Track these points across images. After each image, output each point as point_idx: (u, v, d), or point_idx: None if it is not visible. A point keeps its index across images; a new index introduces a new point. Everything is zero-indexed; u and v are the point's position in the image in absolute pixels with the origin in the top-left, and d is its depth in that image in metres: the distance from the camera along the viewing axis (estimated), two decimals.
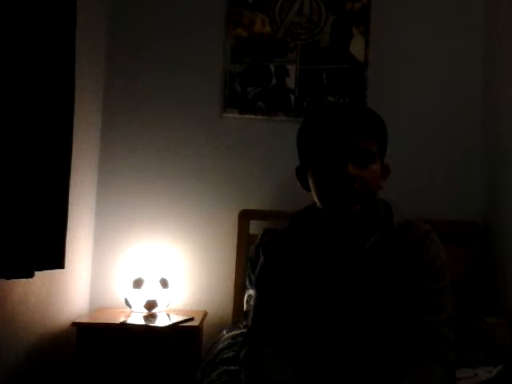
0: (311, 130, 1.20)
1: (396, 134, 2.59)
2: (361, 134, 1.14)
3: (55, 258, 1.80)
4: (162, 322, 2.23)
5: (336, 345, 1.17)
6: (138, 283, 2.35)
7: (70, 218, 1.88)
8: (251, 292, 2.32)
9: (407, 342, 1.11)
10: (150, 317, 2.29)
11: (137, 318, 2.27)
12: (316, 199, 1.19)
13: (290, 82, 2.62)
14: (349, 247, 1.20)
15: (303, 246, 1.25)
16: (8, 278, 1.59)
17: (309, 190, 1.21)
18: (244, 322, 2.23)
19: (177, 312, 2.42)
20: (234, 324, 2.33)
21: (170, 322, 2.21)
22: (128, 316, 2.30)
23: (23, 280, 1.70)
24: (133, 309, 2.36)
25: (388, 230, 1.20)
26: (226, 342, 1.98)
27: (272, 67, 2.62)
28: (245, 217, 2.49)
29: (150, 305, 2.33)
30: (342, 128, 1.14)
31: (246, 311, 2.32)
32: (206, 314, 2.45)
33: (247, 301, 2.33)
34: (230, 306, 2.44)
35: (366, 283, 1.17)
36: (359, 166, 1.13)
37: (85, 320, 2.28)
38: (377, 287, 1.16)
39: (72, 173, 1.89)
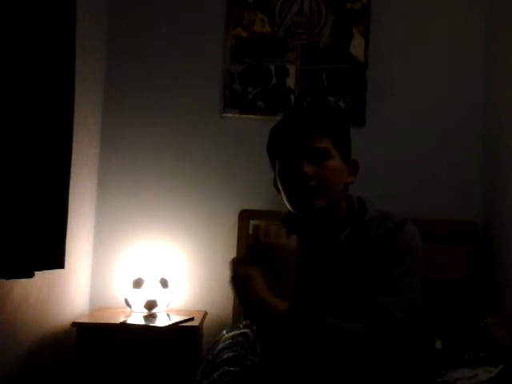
0: (271, 136, 1.30)
1: (396, 134, 2.63)
2: (313, 134, 1.21)
3: (55, 258, 1.80)
4: (162, 321, 2.23)
5: None
6: (138, 283, 2.35)
7: (69, 218, 1.88)
8: None
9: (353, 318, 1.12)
10: (150, 317, 2.29)
11: (137, 318, 2.27)
12: (285, 201, 1.27)
13: (290, 82, 2.62)
14: (324, 241, 1.25)
15: None
16: (8, 278, 1.59)
17: None
18: (244, 322, 2.23)
19: (177, 312, 2.42)
20: (234, 324, 2.33)
21: (170, 322, 2.22)
22: (128, 316, 2.30)
23: (23, 280, 1.70)
24: (133, 309, 2.36)
25: (361, 222, 1.24)
26: (226, 342, 1.98)
27: (272, 67, 2.62)
28: (245, 217, 2.49)
29: (150, 305, 2.34)
30: (294, 130, 1.22)
31: None
32: (205, 314, 2.46)
33: None
34: (230, 306, 2.44)
35: (338, 274, 1.21)
36: (315, 164, 1.20)
37: (85, 320, 2.29)
38: (349, 275, 1.20)
39: (72, 173, 1.89)
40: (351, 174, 1.28)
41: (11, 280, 1.65)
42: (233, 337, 2.03)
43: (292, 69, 2.62)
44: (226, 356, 1.81)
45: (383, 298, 1.12)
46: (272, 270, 1.15)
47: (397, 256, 1.18)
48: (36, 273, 1.65)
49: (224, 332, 2.15)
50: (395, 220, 1.24)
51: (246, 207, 2.53)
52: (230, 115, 2.61)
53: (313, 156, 1.20)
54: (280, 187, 1.27)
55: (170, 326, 2.19)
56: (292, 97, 2.61)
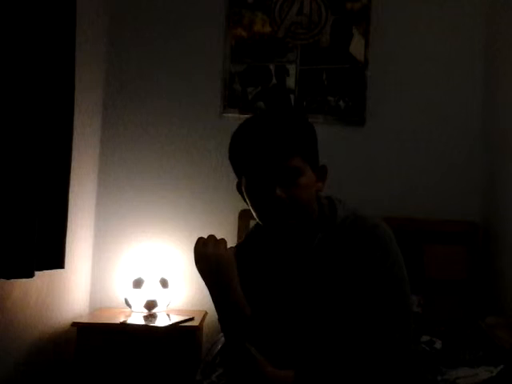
0: (236, 147, 1.24)
1: (396, 134, 2.63)
2: (284, 155, 1.14)
3: (55, 258, 1.80)
4: (162, 321, 2.23)
5: (296, 335, 1.20)
6: (138, 283, 2.35)
7: (69, 218, 1.89)
8: None
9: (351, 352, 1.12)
10: (150, 317, 2.29)
11: (137, 318, 2.27)
12: (254, 215, 1.24)
13: (290, 82, 2.62)
14: (298, 249, 1.23)
15: (263, 251, 1.30)
16: (8, 278, 1.59)
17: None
18: None
19: (177, 312, 2.42)
20: None
21: (170, 322, 2.21)
22: (128, 316, 2.30)
23: (23, 280, 1.70)
24: (133, 309, 2.36)
25: (332, 226, 1.21)
26: None
27: (272, 67, 2.62)
28: (245, 217, 2.49)
29: (150, 305, 2.33)
30: (264, 152, 1.14)
31: None
32: (205, 314, 2.45)
33: None
34: None
35: (314, 279, 1.19)
36: (287, 185, 1.14)
37: (85, 320, 2.29)
38: (324, 282, 1.18)
39: (72, 173, 1.89)
40: (320, 180, 1.23)
41: (11, 280, 1.65)
42: None
43: (292, 69, 2.62)
44: None
45: (380, 327, 1.10)
46: (214, 280, 1.17)
47: (382, 270, 1.14)
48: (36, 273, 1.65)
49: None
50: (367, 224, 1.20)
51: (245, 207, 2.51)
52: (230, 115, 2.61)
53: (285, 177, 1.14)
54: (248, 202, 1.23)
55: (170, 326, 2.19)
56: (292, 97, 2.61)
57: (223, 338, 2.02)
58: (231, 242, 2.63)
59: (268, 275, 1.26)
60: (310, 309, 1.19)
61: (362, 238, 1.18)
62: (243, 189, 1.24)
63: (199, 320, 2.29)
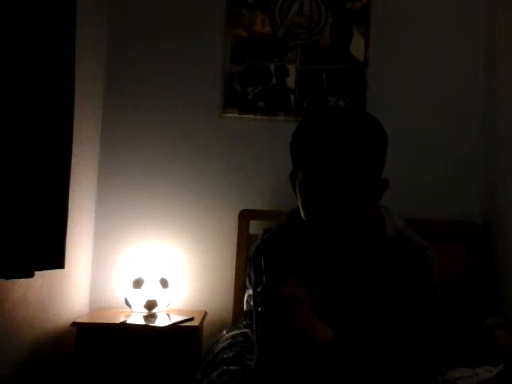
0: (305, 141, 1.12)
1: (396, 134, 2.61)
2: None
3: (55, 258, 1.80)
4: (162, 321, 2.23)
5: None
6: (138, 283, 2.35)
7: (69, 218, 1.89)
8: (251, 292, 2.31)
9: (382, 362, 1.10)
10: (150, 317, 2.29)
11: (137, 318, 2.27)
12: (300, 209, 1.16)
13: (290, 82, 2.62)
14: (340, 256, 1.18)
15: (297, 249, 1.23)
16: (8, 278, 1.60)
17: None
18: (244, 322, 2.23)
19: (177, 312, 2.42)
20: (234, 324, 2.33)
21: (170, 322, 2.22)
22: (128, 316, 2.30)
23: (23, 280, 1.70)
24: (133, 309, 2.36)
25: (379, 242, 1.18)
26: (226, 341, 1.98)
27: (272, 67, 2.62)
28: (245, 217, 2.49)
29: (150, 305, 2.34)
30: (336, 153, 1.05)
31: (246, 311, 2.31)
32: (205, 313, 2.46)
33: (247, 301, 2.33)
34: (230, 306, 2.44)
35: (354, 294, 1.16)
36: (347, 192, 1.08)
37: (85, 320, 2.29)
38: (365, 298, 1.15)
39: (72, 173, 1.89)
40: (379, 194, 1.16)
41: (11, 280, 1.65)
42: (233, 337, 2.03)
43: (292, 69, 2.62)
44: (225, 356, 1.82)
45: (412, 343, 1.09)
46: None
47: (421, 292, 1.14)
48: (36, 273, 1.66)
49: (224, 332, 2.15)
50: (415, 245, 1.18)
51: (246, 207, 2.53)
52: (230, 115, 2.61)
53: (348, 184, 1.07)
54: (298, 196, 1.15)
55: (169, 326, 2.19)
56: (292, 97, 2.61)
57: (224, 338, 2.02)
58: (231, 242, 2.65)
59: (299, 275, 1.18)
60: (337, 317, 1.15)
61: (408, 259, 1.16)
62: (297, 181, 1.15)
63: (199, 320, 2.29)
